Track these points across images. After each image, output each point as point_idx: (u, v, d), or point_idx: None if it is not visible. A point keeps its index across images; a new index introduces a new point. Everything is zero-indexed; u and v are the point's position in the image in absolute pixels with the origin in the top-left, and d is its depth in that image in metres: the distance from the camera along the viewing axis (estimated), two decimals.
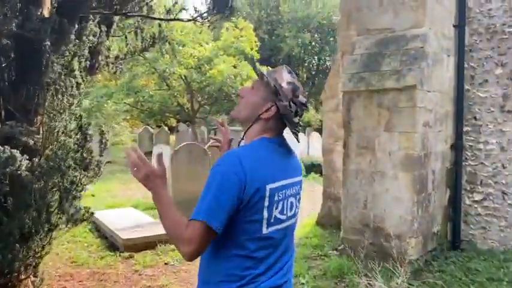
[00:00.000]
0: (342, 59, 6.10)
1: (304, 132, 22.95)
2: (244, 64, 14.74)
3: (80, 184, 3.07)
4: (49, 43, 3.00)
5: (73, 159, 3.14)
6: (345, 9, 6.11)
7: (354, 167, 5.01)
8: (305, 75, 25.21)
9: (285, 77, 1.51)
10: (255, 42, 15.58)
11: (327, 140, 6.46)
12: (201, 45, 15.45)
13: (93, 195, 9.68)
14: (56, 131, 2.96)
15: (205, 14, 3.79)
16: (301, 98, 1.51)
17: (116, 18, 4.79)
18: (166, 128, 31.20)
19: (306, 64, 25.52)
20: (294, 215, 1.55)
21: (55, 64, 2.96)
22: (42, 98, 3.08)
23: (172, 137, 22.01)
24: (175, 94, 16.19)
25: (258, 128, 1.51)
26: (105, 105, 16.87)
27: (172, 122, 30.33)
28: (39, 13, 3.13)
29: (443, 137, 5.23)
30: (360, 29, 5.19)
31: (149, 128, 20.30)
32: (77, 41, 3.99)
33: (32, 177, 2.77)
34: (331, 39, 23.39)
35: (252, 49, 15.58)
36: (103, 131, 3.64)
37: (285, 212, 1.48)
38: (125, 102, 15.46)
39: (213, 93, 15.71)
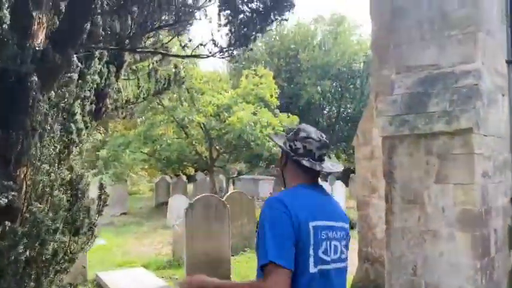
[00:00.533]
0: (377, 101, 5.49)
1: (326, 180, 22.12)
2: (264, 111, 14.31)
3: (67, 253, 2.43)
4: (36, 79, 2.46)
5: (62, 220, 2.51)
6: (378, 46, 5.58)
7: (399, 224, 4.25)
8: (325, 123, 24.70)
9: (293, 133, 1.77)
10: (275, 89, 15.24)
11: (362, 192, 5.72)
12: (220, 93, 15.19)
13: (104, 248, 9.01)
14: (41, 185, 2.37)
15: (225, 48, 3.26)
16: (304, 134, 1.70)
17: (127, 58, 4.33)
18: (184, 177, 30.78)
19: (326, 112, 25.10)
20: (340, 260, 1.62)
21: (41, 104, 2.40)
22: (26, 145, 2.49)
23: (190, 187, 21.40)
24: (194, 142, 15.76)
25: (288, 178, 1.75)
26: (123, 155, 16.55)
27: (191, 170, 29.88)
28: (27, 44, 2.60)
29: (503, 189, 4.45)
30: (398, 66, 4.60)
31: (166, 177, 19.81)
32: (80, 81, 3.50)
33: (5, 246, 2.15)
34: (351, 86, 23.08)
35: (271, 96, 15.21)
36: (102, 184, 3.03)
37: (328, 254, 1.57)
38: (141, 151, 15.04)
39: (232, 140, 15.21)
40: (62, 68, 2.74)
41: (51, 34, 2.74)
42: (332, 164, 1.80)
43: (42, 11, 2.75)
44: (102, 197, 2.97)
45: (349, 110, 22.90)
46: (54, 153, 2.50)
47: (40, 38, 2.77)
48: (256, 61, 20.94)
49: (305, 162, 1.65)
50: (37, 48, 2.67)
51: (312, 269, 1.50)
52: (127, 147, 14.25)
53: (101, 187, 3.02)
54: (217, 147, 16.17)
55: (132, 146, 14.10)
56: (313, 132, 1.74)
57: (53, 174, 2.50)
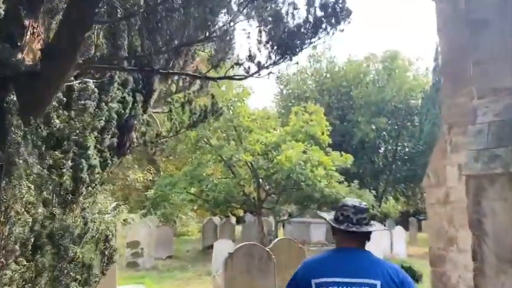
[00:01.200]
0: (451, 133, 4.59)
1: (385, 225, 20.57)
2: (314, 149, 13.51)
3: None
4: (15, 98, 1.89)
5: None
6: (450, 70, 4.73)
7: None
8: (381, 163, 23.33)
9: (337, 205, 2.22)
10: (326, 126, 14.46)
11: (436, 244, 4.70)
12: (269, 132, 14.63)
13: None
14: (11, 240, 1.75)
15: (264, 64, 2.62)
16: (340, 205, 2.14)
17: (157, 87, 3.80)
18: (233, 219, 30.08)
19: (382, 151, 23.79)
20: None
21: (18, 132, 1.82)
22: None
23: (239, 229, 20.63)
24: (241, 182, 15.15)
25: (336, 244, 2.14)
26: (172, 195, 16.23)
27: (240, 211, 29.13)
28: (16, 58, 2.07)
29: None
30: (482, 89, 3.73)
31: (214, 219, 19.23)
32: (96, 109, 2.96)
33: None
34: (409, 123, 21.78)
35: (322, 133, 14.42)
36: (107, 236, 2.38)
37: None
38: (187, 192, 14.61)
39: (281, 181, 14.43)
40: (56, 89, 2.16)
41: (44, 47, 2.21)
42: (370, 225, 2.08)
43: (37, 18, 2.22)
44: (108, 251, 2.30)
45: (406, 149, 21.50)
46: (31, 194, 1.89)
47: (34, 50, 2.24)
48: (306, 99, 20.36)
49: (342, 227, 2.00)
50: (27, 62, 2.11)
51: None
52: (174, 187, 13.84)
53: (106, 240, 2.36)
54: (265, 187, 15.43)
55: (178, 186, 13.67)
56: (349, 200, 2.13)
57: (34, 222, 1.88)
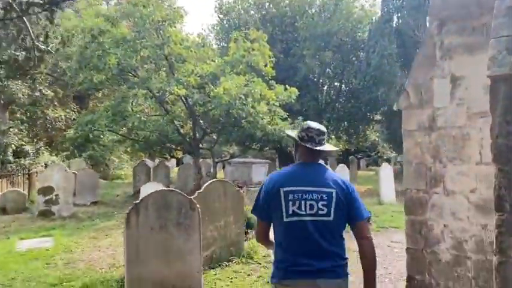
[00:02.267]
0: (442, 32, 3.27)
1: (326, 163, 20.05)
2: (257, 82, 12.02)
3: None
4: None
5: None
6: None
7: None
8: (324, 101, 22.44)
9: (301, 127, 2.51)
10: (270, 56, 12.90)
11: (414, 185, 3.51)
12: (206, 63, 12.83)
13: (44, 255, 6.83)
14: None
15: None
16: (305, 127, 2.43)
17: None
18: (173, 161, 28.45)
19: (326, 87, 22.84)
20: (318, 215, 2.25)
21: None
22: None
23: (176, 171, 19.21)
24: (176, 121, 13.48)
25: (296, 159, 2.48)
26: (101, 136, 14.28)
27: (180, 153, 27.47)
28: None
29: None
30: None
31: (147, 161, 17.59)
32: None
33: None
34: (354, 58, 20.76)
35: (266, 65, 12.89)
36: None
37: (303, 209, 2.25)
38: (110, 130, 12.71)
39: (220, 118, 12.95)
40: None
41: None
42: (328, 146, 2.53)
43: None
44: None
45: (351, 86, 20.60)
46: None
47: None
48: (247, 24, 18.48)
49: (308, 145, 2.37)
50: None
51: (285, 219, 2.27)
52: (93, 125, 11.90)
53: None
54: (202, 126, 13.90)
55: (98, 124, 11.74)
56: (313, 123, 2.46)
57: None
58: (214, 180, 5.91)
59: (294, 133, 2.53)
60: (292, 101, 12.78)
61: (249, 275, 5.53)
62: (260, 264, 5.85)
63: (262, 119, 12.45)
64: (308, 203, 2.25)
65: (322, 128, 2.46)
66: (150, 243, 3.57)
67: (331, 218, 2.25)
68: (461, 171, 3.22)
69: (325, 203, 2.26)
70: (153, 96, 13.31)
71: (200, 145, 16.33)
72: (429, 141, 3.40)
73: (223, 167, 20.68)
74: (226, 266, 5.75)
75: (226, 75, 11.97)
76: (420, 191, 3.46)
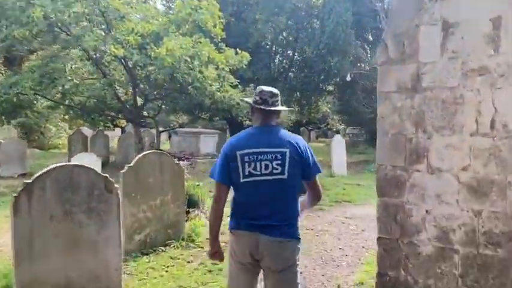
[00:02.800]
0: None
1: None
2: (205, 43, 10.96)
3: None
4: None
5: None
6: None
7: None
8: (277, 69, 21.68)
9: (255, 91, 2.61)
10: (219, 17, 11.81)
11: (389, 160, 2.82)
12: (148, 22, 11.52)
13: None
14: None
15: None
16: (259, 91, 2.53)
17: None
18: (115, 130, 26.69)
19: (278, 56, 22.02)
20: (272, 174, 2.37)
21: None
22: None
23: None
24: (114, 84, 12.17)
25: (253, 123, 2.59)
26: (35, 102, 12.71)
27: (124, 122, 25.77)
28: None
29: None
30: None
31: (84, 129, 16.13)
32: None
33: None
34: (308, 25, 19.98)
35: (215, 26, 11.79)
36: None
37: (258, 170, 2.37)
38: (37, 94, 11.23)
39: (164, 83, 11.83)
40: None
41: None
42: (280, 107, 2.59)
43: None
44: None
45: (305, 55, 19.90)
46: None
47: None
48: None
49: (262, 107, 2.47)
50: None
51: (242, 180, 2.38)
52: (15, 87, 10.39)
53: None
54: (144, 91, 12.70)
55: (21, 87, 10.25)
56: (265, 87, 2.56)
57: None
58: (148, 151, 5.00)
59: (250, 99, 2.63)
60: (244, 66, 11.87)
61: (188, 261, 4.75)
62: (202, 248, 5.08)
63: (210, 86, 11.48)
64: (263, 163, 2.38)
65: (275, 90, 2.56)
66: (49, 235, 2.67)
67: (285, 176, 2.39)
68: (451, 143, 2.56)
69: (279, 162, 2.39)
70: (89, 58, 11.90)
71: (145, 113, 15.14)
72: (411, 106, 2.70)
73: (170, 137, 19.57)
74: (163, 251, 4.92)
75: (171, 36, 10.80)
76: (397, 167, 2.77)
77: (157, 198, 5.00)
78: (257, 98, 2.50)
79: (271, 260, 2.37)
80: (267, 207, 2.37)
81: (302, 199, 2.55)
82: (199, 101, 12.64)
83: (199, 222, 5.45)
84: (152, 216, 4.95)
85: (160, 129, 17.69)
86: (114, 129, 26.04)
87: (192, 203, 5.77)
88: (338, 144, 12.58)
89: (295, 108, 22.84)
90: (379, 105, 2.84)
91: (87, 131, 16.09)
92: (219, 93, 11.46)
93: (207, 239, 5.29)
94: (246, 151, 2.38)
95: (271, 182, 2.37)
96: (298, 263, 2.45)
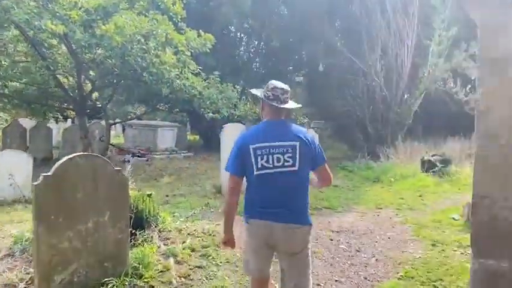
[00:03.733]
0: None
1: None
2: (162, 21, 9.42)
3: None
4: None
5: None
6: None
7: None
8: (242, 58, 20.29)
9: (266, 86, 2.71)
10: None
11: (501, 192, 1.56)
12: None
13: None
14: None
15: None
16: (271, 87, 2.65)
17: None
18: (69, 122, 24.31)
19: (244, 43, 20.60)
20: (284, 166, 2.56)
21: None
22: None
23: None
24: (54, 68, 10.38)
25: (263, 117, 2.74)
26: None
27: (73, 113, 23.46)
28: None
29: None
30: None
31: (22, 120, 14.10)
32: None
33: None
34: (277, 10, 18.65)
35: (174, 4, 10.26)
36: None
37: (270, 163, 2.55)
38: None
39: (114, 67, 10.20)
40: None
41: None
42: (293, 103, 2.74)
43: None
44: None
45: (272, 42, 18.56)
46: None
47: None
48: None
49: (275, 104, 2.62)
50: None
51: (256, 172, 2.56)
52: None
53: None
54: (91, 77, 10.98)
55: None
56: (277, 83, 2.68)
57: None
58: (76, 154, 3.53)
59: (259, 92, 2.76)
60: (208, 50, 10.41)
61: None
62: (153, 287, 3.70)
63: (169, 72, 9.98)
64: (275, 156, 2.57)
65: (286, 87, 2.71)
66: None
67: (296, 168, 2.59)
68: None
69: (290, 155, 2.58)
70: (25, 38, 10.06)
71: (97, 103, 13.36)
72: None
73: (123, 130, 17.80)
74: None
75: (122, 12, 9.19)
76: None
77: (90, 220, 3.55)
78: (269, 93, 2.66)
79: (285, 245, 2.63)
80: (280, 197, 2.58)
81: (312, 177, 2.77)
82: (156, 90, 11.08)
83: (149, 249, 4.03)
84: (82, 246, 3.51)
85: (115, 121, 15.91)
86: (66, 121, 23.73)
87: (140, 223, 4.34)
88: None
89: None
90: (482, 84, 1.56)
91: (28, 123, 14.08)
92: (178, 80, 9.97)
93: (160, 272, 3.94)
94: (258, 145, 2.57)
95: (283, 174, 2.57)
96: (309, 246, 2.71)
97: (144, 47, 9.30)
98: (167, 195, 8.13)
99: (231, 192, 2.64)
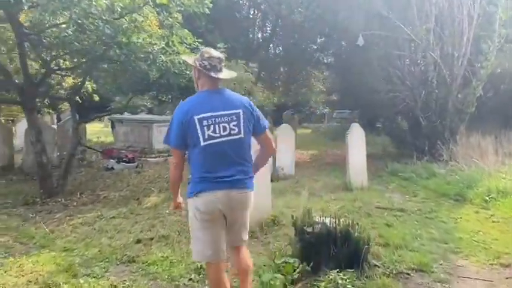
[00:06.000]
0: None
1: None
2: None
3: None
4: None
5: None
6: None
7: None
8: (256, 37, 16.97)
9: (200, 54, 2.72)
10: None
11: None
12: None
13: None
14: None
15: None
16: (207, 55, 2.66)
17: None
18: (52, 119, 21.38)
19: (259, 20, 17.23)
20: (230, 135, 2.61)
21: None
22: None
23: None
24: None
25: (200, 87, 2.75)
26: None
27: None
28: None
29: None
30: None
31: None
32: None
33: None
34: None
35: None
36: None
37: (217, 132, 2.58)
38: None
39: (73, 40, 6.99)
40: None
41: None
42: (229, 72, 2.79)
43: None
44: None
45: (293, 15, 15.17)
46: None
47: None
48: None
49: (213, 74, 2.64)
50: None
51: (202, 143, 2.56)
52: None
53: None
54: (42, 55, 7.77)
55: None
56: (213, 51, 2.72)
57: None
58: None
59: (191, 59, 2.79)
60: (207, 10, 7.11)
61: None
62: None
63: (152, 45, 6.79)
64: (221, 125, 2.60)
65: (221, 55, 2.75)
66: None
67: (242, 135, 2.66)
68: None
69: (235, 123, 2.63)
70: None
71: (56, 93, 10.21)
72: None
73: (113, 127, 14.71)
74: None
75: None
76: None
77: None
78: (205, 63, 2.66)
79: (238, 211, 2.72)
80: (230, 165, 2.62)
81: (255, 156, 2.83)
82: (138, 73, 7.88)
83: None
84: None
85: (101, 115, 12.78)
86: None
87: None
88: (356, 137, 8.09)
89: (278, 87, 18.24)
90: None
91: None
92: (163, 56, 6.75)
93: None
94: (203, 115, 2.57)
95: (230, 142, 2.62)
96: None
97: (111, 7, 6.09)
98: (138, 240, 4.96)
99: (176, 167, 2.70)
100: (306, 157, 13.45)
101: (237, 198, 2.64)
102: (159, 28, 6.66)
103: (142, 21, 6.76)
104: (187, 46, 7.66)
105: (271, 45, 16.69)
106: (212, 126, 2.56)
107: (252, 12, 17.05)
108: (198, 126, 2.53)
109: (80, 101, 9.82)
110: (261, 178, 5.33)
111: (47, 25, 6.58)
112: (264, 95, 15.11)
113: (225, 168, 2.59)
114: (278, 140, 9.17)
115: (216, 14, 13.63)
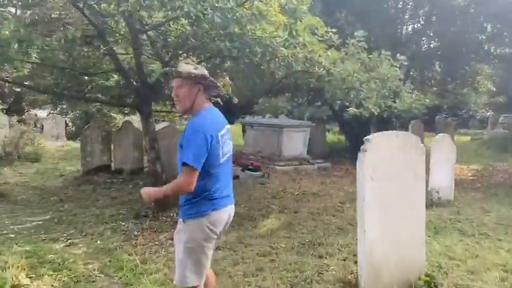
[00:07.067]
0: None
1: (408, 128, 12.50)
2: None
3: None
4: None
5: None
6: None
7: None
8: (409, 28, 14.61)
9: (202, 73, 2.58)
10: None
11: None
12: None
13: None
14: None
15: None
16: (207, 74, 2.57)
17: None
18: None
19: (410, 8, 14.83)
20: (230, 150, 2.61)
21: None
22: None
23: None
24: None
25: (199, 102, 2.55)
26: None
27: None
28: None
29: None
30: None
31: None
32: None
33: None
34: None
35: None
36: None
37: (226, 149, 2.54)
38: None
39: (187, 36, 6.12)
40: None
41: None
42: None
43: None
44: None
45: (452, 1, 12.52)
46: None
47: None
48: None
49: (214, 94, 2.64)
50: None
51: (221, 161, 2.49)
52: None
53: None
54: (158, 49, 7.12)
55: None
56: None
57: None
58: None
59: (199, 70, 2.59)
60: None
61: None
62: None
63: (274, 37, 5.51)
64: (228, 142, 2.59)
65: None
66: None
67: (232, 150, 2.69)
68: None
69: (229, 138, 2.64)
70: None
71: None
72: None
73: (244, 131, 14.05)
74: None
75: None
76: None
77: None
78: (209, 81, 2.58)
79: (226, 226, 2.68)
80: (229, 180, 2.65)
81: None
82: (260, 72, 6.72)
83: None
84: None
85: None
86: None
87: None
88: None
89: (431, 86, 15.44)
90: None
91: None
92: (285, 49, 5.40)
93: None
94: (222, 132, 2.52)
95: (230, 158, 2.63)
96: None
97: None
98: None
99: (191, 187, 2.39)
100: (466, 174, 10.78)
101: (232, 214, 2.67)
102: (282, 14, 5.33)
103: (266, 9, 5.52)
104: (319, 38, 6.18)
105: (423, 38, 14.13)
106: (225, 142, 2.55)
107: (401, 1, 14.73)
108: (220, 144, 2.48)
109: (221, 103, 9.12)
110: (406, 208, 3.63)
111: (154, 16, 5.82)
112: (414, 97, 12.73)
113: (228, 184, 2.63)
114: (432, 154, 7.09)
115: (358, 5, 11.91)
